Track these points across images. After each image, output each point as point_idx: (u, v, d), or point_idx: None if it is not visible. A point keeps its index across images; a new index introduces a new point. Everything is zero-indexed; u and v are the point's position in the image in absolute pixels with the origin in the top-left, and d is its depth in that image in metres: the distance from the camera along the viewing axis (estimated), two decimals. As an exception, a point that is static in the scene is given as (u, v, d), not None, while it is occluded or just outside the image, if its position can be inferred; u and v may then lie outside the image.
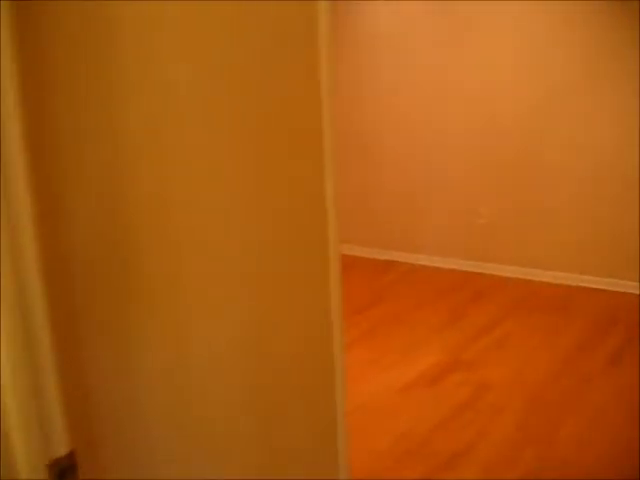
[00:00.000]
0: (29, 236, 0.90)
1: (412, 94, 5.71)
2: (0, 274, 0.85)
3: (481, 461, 2.95)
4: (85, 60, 1.10)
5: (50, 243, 1.04)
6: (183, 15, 1.23)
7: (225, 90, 1.35)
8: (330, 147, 1.68)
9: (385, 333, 4.41)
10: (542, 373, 3.75)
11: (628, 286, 4.98)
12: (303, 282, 1.70)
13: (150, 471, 1.30)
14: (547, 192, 5.23)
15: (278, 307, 1.60)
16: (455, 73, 5.45)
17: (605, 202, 4.99)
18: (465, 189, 5.61)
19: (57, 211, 1.09)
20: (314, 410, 1.80)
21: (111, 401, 1.22)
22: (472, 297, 5.03)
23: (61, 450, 0.97)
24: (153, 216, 1.25)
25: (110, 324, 1.21)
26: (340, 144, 5.63)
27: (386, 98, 5.85)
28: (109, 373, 1.21)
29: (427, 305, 4.91)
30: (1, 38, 0.84)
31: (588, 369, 3.78)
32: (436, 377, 3.74)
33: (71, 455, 0.98)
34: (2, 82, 0.85)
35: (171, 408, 1.34)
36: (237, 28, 1.35)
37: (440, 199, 5.75)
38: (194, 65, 1.27)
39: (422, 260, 5.93)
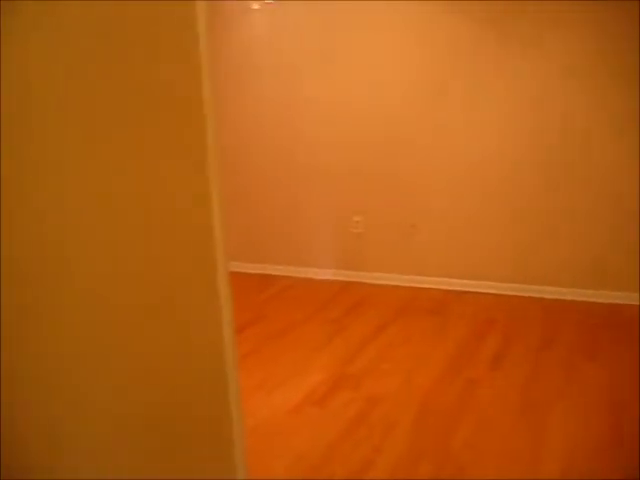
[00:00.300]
0: None
1: (287, 106, 5.63)
2: None
3: (380, 478, 2.88)
4: None
5: None
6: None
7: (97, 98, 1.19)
8: (214, 157, 1.57)
9: (268, 352, 4.27)
10: (429, 381, 3.75)
11: (503, 288, 5.13)
12: (191, 303, 1.59)
13: None
14: (422, 199, 5.31)
15: (165, 329, 1.47)
16: (330, 83, 5.43)
17: (477, 205, 5.12)
18: (340, 199, 5.59)
19: None
20: (210, 437, 1.70)
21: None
22: (353, 308, 5.00)
23: None
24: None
25: None
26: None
27: (261, 110, 5.74)
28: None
29: (309, 319, 4.83)
30: None
31: (472, 373, 3.82)
32: (325, 395, 3.64)
33: None
34: None
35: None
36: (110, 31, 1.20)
37: (316, 210, 5.71)
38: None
39: (301, 273, 5.85)
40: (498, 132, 4.94)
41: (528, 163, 4.89)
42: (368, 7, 5.12)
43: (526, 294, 5.05)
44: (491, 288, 5.16)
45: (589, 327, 4.44)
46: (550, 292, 4.99)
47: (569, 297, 4.93)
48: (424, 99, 5.12)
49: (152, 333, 1.43)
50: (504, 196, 5.02)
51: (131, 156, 1.30)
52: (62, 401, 1.19)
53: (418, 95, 5.13)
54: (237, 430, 1.80)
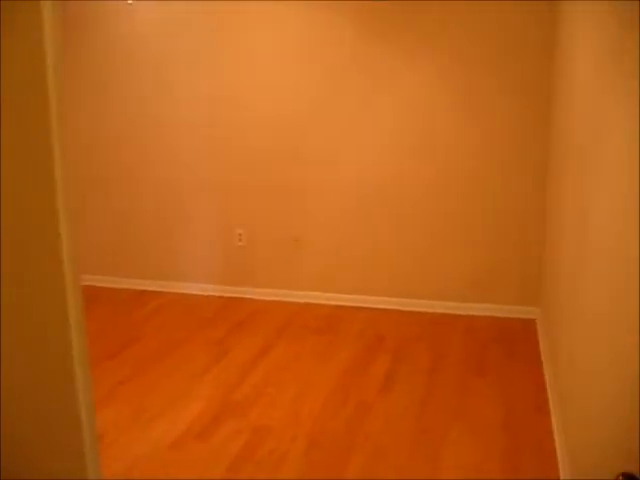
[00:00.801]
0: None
1: (159, 111, 5.30)
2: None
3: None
4: None
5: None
6: None
7: None
8: (61, 168, 1.45)
9: (146, 378, 3.94)
10: (318, 406, 3.55)
11: (391, 302, 5.02)
12: (36, 324, 1.43)
13: None
14: (307, 212, 5.12)
15: (11, 360, 1.32)
16: (209, 87, 5.14)
17: (364, 218, 4.99)
18: (222, 212, 5.32)
19: None
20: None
21: None
22: (236, 327, 4.74)
23: None
24: None
25: None
26: (83, 165, 5.03)
27: (133, 116, 5.37)
28: None
29: (190, 340, 4.52)
30: None
31: (363, 396, 3.65)
32: (208, 426, 3.36)
33: None
34: None
35: None
36: None
37: (197, 222, 5.41)
38: None
39: (182, 288, 5.53)
40: (384, 143, 4.84)
41: (414, 175, 4.81)
42: (252, 8, 4.89)
43: (414, 309, 4.97)
44: (379, 303, 5.05)
45: (477, 341, 4.39)
46: (438, 306, 4.93)
47: (456, 311, 4.88)
48: (310, 108, 4.94)
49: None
50: (390, 209, 4.92)
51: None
52: None
53: (304, 104, 4.95)
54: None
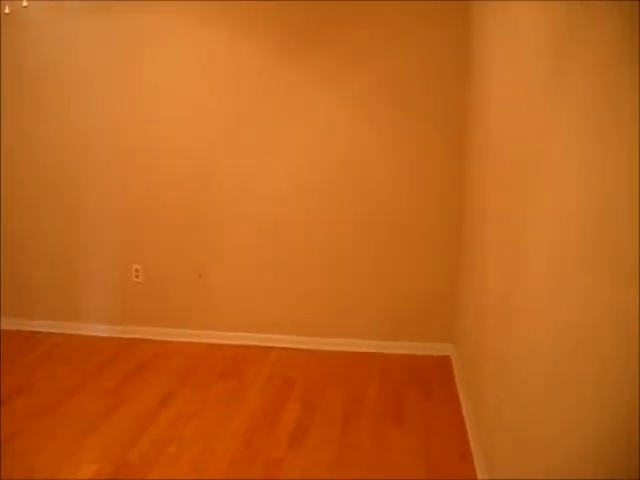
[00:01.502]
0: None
1: (61, 133, 4.89)
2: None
3: None
4: None
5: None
6: None
7: None
8: None
9: (33, 434, 3.52)
10: (224, 465, 3.23)
11: (301, 341, 4.77)
12: None
13: None
14: (211, 246, 4.82)
15: None
16: (106, 107, 4.78)
17: (270, 257, 4.73)
18: (119, 245, 4.94)
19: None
20: None
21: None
22: (133, 373, 4.36)
23: None
24: None
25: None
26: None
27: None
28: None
29: (82, 389, 4.12)
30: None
31: (272, 453, 3.35)
32: (100, 494, 3.00)
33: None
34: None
35: None
36: None
37: (91, 257, 4.99)
38: None
39: (74, 329, 5.10)
40: (295, 176, 4.61)
41: (326, 209, 4.61)
42: (165, 22, 4.59)
43: (326, 348, 4.73)
44: (289, 342, 4.78)
45: (393, 383, 4.19)
46: (350, 344, 4.71)
47: (370, 349, 4.68)
48: (218, 135, 4.65)
49: None
50: (298, 243, 4.68)
51: None
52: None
53: (211, 130, 4.66)
54: None
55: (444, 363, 4.48)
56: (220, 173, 4.68)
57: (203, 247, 4.82)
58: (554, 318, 1.88)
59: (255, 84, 4.53)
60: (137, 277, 4.96)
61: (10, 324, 5.19)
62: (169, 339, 4.94)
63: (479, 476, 3.07)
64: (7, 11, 2.64)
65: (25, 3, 2.63)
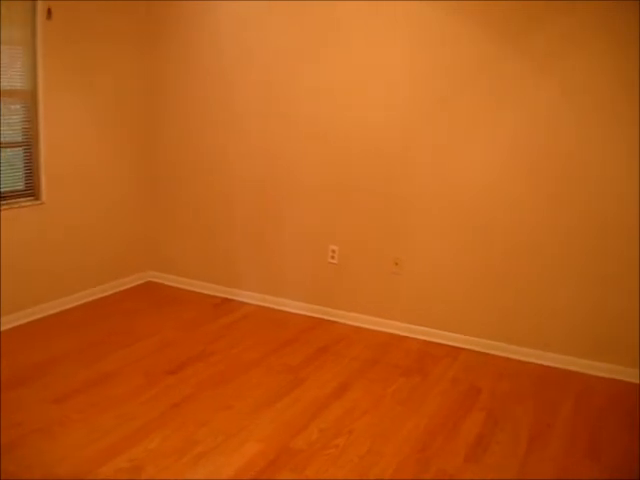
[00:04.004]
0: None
1: (261, 117, 4.92)
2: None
3: None
4: None
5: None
6: None
7: None
8: None
9: (205, 403, 3.51)
10: (390, 469, 2.98)
11: (490, 346, 4.40)
12: None
13: None
14: (407, 232, 4.58)
15: None
16: (312, 92, 4.71)
17: (469, 245, 4.39)
18: (316, 224, 4.86)
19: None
20: None
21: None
22: (316, 354, 4.26)
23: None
24: None
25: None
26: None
27: (236, 118, 5.02)
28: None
29: (262, 363, 4.08)
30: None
31: (446, 464, 3.04)
32: (259, 475, 2.89)
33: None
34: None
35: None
36: None
37: (290, 232, 4.97)
38: None
39: (268, 302, 5.12)
40: (501, 163, 4.21)
41: (532, 202, 4.16)
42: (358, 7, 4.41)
43: (520, 357, 4.32)
44: (480, 346, 4.43)
45: (592, 410, 3.69)
46: (548, 358, 4.25)
47: (570, 366, 4.19)
48: (419, 118, 4.39)
49: None
50: (503, 239, 4.28)
51: None
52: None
53: (412, 113, 4.40)
54: None
55: (660, 395, 3.89)
56: (426, 157, 4.40)
57: (401, 235, 4.59)
58: None
59: (459, 70, 4.19)
60: (333, 258, 4.85)
61: (211, 289, 5.35)
62: (355, 324, 4.79)
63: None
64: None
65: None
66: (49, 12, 4.32)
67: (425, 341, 4.55)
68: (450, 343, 4.50)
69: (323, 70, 4.63)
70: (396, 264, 4.64)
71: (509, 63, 4.06)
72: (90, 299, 5.05)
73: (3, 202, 4.28)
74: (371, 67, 4.48)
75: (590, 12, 3.80)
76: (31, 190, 4.52)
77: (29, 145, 4.45)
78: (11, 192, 4.38)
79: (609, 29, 3.78)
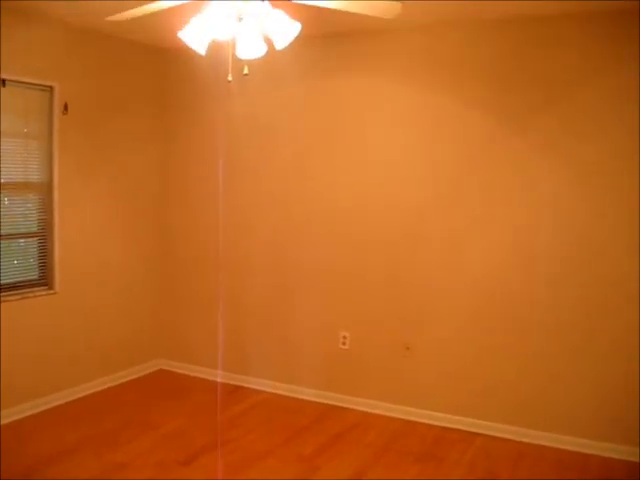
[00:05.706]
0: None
1: (276, 203, 5.02)
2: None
3: None
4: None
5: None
6: None
7: None
8: None
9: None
10: None
11: (508, 431, 4.31)
12: None
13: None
14: (418, 317, 4.58)
15: None
16: (322, 180, 4.82)
17: (481, 329, 4.37)
18: (326, 310, 4.87)
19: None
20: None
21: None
22: (330, 442, 4.19)
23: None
24: None
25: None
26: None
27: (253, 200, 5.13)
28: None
29: (277, 452, 4.01)
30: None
31: None
32: None
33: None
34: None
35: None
36: None
37: (300, 319, 4.98)
38: None
39: (279, 389, 5.08)
40: (514, 242, 4.25)
41: (553, 284, 4.16)
42: (368, 88, 4.58)
43: (538, 442, 4.22)
44: (496, 430, 4.34)
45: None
46: (567, 442, 4.15)
47: (589, 450, 4.08)
48: (428, 209, 4.48)
49: None
50: (517, 322, 4.27)
51: None
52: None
53: (421, 204, 4.49)
54: None
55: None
56: (439, 239, 4.46)
57: (411, 320, 4.60)
58: None
59: (473, 147, 4.30)
60: (344, 344, 4.85)
61: (224, 377, 5.30)
62: (368, 410, 4.73)
63: None
64: (230, 79, 2.72)
65: (246, 71, 2.70)
66: (65, 107, 4.49)
67: (439, 426, 4.48)
68: (466, 428, 4.42)
69: (333, 159, 4.76)
70: (407, 349, 4.62)
71: (515, 142, 4.17)
72: (102, 387, 5.03)
73: (15, 292, 4.33)
74: (380, 159, 4.61)
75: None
76: (44, 280, 4.57)
77: (43, 236, 4.54)
78: (25, 282, 4.44)
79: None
